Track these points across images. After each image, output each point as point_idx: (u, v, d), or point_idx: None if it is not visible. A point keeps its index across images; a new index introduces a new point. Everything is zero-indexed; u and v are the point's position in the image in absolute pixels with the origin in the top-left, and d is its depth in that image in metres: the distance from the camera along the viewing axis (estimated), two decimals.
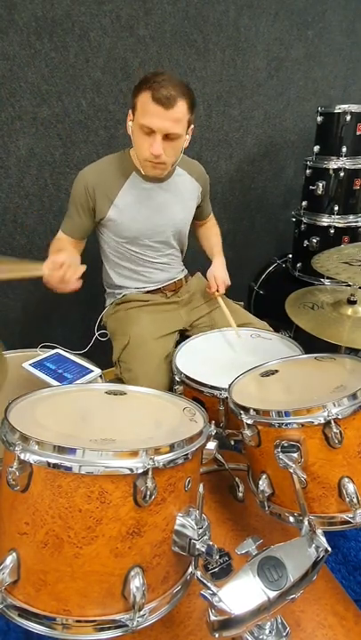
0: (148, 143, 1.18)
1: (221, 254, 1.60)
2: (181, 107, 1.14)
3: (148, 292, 1.48)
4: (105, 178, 1.30)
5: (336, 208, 1.87)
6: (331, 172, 1.84)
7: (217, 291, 1.47)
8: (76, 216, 1.32)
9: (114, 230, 1.35)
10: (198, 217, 1.55)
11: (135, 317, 1.41)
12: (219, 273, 1.51)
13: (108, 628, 0.61)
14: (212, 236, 1.65)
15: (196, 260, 1.66)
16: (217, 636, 0.58)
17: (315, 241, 1.92)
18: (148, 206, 1.34)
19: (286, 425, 0.78)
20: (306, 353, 1.16)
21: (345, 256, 1.41)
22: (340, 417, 0.75)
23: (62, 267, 1.05)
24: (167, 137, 1.17)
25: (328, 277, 1.89)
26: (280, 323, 1.62)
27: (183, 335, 1.49)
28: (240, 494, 1.00)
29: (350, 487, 0.76)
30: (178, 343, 1.39)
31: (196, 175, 1.45)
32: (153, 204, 1.35)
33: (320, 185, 1.87)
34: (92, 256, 1.51)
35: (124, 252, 1.39)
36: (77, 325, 1.86)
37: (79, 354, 1.23)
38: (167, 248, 1.45)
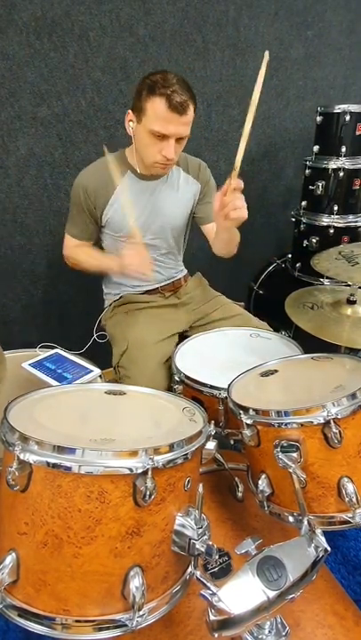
0: (158, 147, 1.19)
1: None
2: (191, 110, 1.18)
3: (145, 291, 1.48)
4: (101, 178, 1.31)
5: (336, 208, 1.87)
6: (330, 171, 1.84)
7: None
8: (79, 220, 1.36)
9: (111, 227, 1.36)
10: (204, 221, 1.46)
11: (134, 321, 1.41)
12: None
13: (108, 628, 0.61)
14: None
15: (196, 260, 1.66)
16: (216, 635, 0.58)
17: (314, 241, 1.92)
18: (142, 203, 1.35)
19: (286, 425, 0.78)
20: (305, 353, 1.16)
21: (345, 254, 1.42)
22: (339, 417, 0.75)
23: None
24: (178, 139, 1.20)
25: (328, 277, 1.89)
26: (280, 323, 1.62)
27: (182, 337, 1.49)
28: (240, 494, 1.00)
29: (350, 487, 0.76)
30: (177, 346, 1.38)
31: (194, 174, 1.43)
32: (147, 201, 1.36)
33: (320, 185, 1.87)
34: None
35: (122, 248, 1.39)
36: (77, 325, 1.86)
37: (78, 354, 1.23)
38: (164, 246, 1.44)
